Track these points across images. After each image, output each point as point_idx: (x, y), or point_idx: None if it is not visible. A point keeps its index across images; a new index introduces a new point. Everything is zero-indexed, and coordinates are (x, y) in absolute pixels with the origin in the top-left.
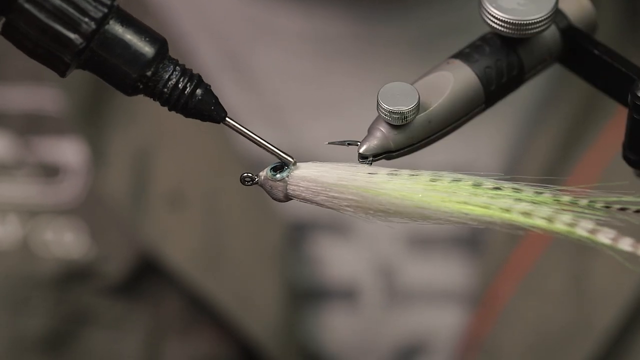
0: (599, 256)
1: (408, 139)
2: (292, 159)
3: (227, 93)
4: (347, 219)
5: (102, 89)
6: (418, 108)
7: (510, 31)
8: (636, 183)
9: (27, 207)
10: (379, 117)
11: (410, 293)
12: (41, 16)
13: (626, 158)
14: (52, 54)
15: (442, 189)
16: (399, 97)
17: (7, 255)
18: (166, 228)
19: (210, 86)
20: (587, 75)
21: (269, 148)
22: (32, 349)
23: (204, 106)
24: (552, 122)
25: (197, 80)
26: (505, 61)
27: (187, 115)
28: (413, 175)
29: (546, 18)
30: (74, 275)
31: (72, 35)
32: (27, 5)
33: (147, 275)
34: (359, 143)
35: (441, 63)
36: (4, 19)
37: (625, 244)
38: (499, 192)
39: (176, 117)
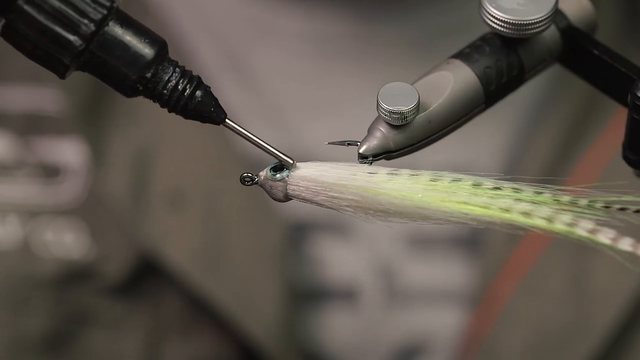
0: (599, 256)
1: (408, 139)
2: (292, 160)
3: (227, 93)
4: (347, 219)
5: (102, 90)
6: (418, 108)
7: (510, 31)
8: (636, 183)
9: (28, 207)
10: (378, 117)
11: (410, 293)
12: (40, 18)
13: (626, 158)
14: (51, 56)
15: (442, 188)
16: (399, 97)
17: (7, 256)
18: (166, 228)
19: (210, 88)
20: (587, 75)
21: (269, 149)
22: (32, 349)
23: (203, 108)
24: (552, 122)
25: (197, 82)
26: (505, 61)
27: (186, 116)
28: (413, 175)
29: (546, 18)
30: (74, 276)
31: (71, 37)
32: (26, 7)
33: (147, 276)
34: (358, 143)
35: (441, 63)
36: (3, 21)
37: (625, 244)
38: (498, 192)
39: (176, 118)
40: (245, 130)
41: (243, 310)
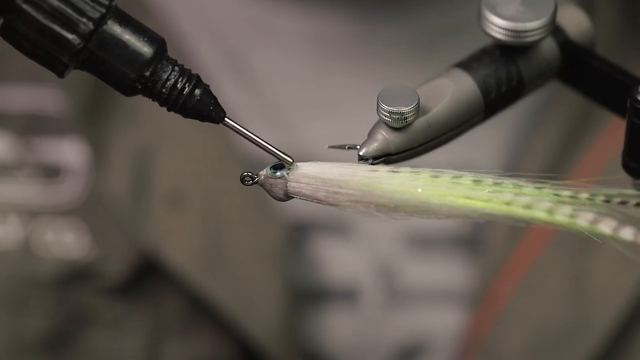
0: (599, 256)
1: (408, 142)
2: (291, 158)
3: (227, 93)
4: (347, 220)
5: (102, 90)
6: (418, 109)
7: (508, 38)
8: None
9: (28, 207)
10: (379, 121)
11: (410, 293)
12: (39, 17)
13: (626, 167)
14: (50, 55)
15: (443, 184)
16: (399, 99)
17: (7, 256)
18: (166, 228)
19: (209, 86)
20: (586, 90)
21: (268, 148)
22: (33, 349)
23: (202, 106)
24: (550, 125)
25: (196, 81)
26: (504, 71)
27: (185, 115)
28: (413, 172)
29: (543, 26)
30: (74, 276)
31: (70, 36)
32: (25, 6)
33: (147, 276)
34: (358, 147)
35: (441, 72)
36: (2, 20)
37: (627, 234)
38: (499, 187)
39: (177, 118)
40: (244, 129)
41: (243, 310)
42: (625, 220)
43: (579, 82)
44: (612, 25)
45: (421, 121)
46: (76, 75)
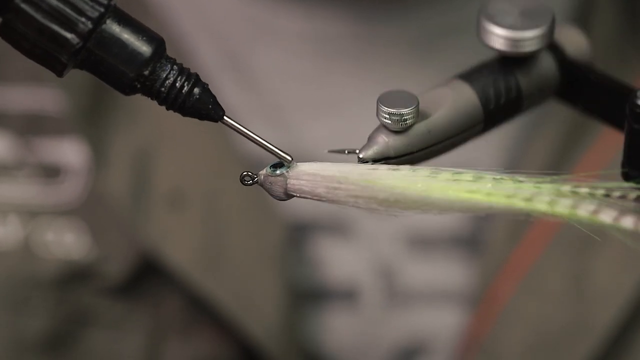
0: (599, 256)
1: (408, 147)
2: (290, 157)
3: (227, 93)
4: (347, 220)
5: (102, 90)
6: (417, 112)
7: (506, 48)
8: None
9: (28, 207)
10: (379, 126)
11: (410, 293)
12: (38, 16)
13: (626, 175)
14: (49, 54)
15: (443, 179)
16: (399, 102)
17: (8, 256)
18: (166, 228)
19: (207, 85)
20: (585, 106)
21: (267, 146)
22: (33, 349)
23: (201, 105)
24: (550, 125)
25: (195, 79)
26: (503, 82)
27: (184, 114)
28: (413, 169)
29: (541, 35)
30: (74, 276)
31: (68, 35)
32: (23, 6)
33: (147, 276)
34: (357, 152)
35: (441, 82)
36: (1, 20)
37: (627, 222)
38: (500, 183)
39: (177, 118)
40: (244, 128)
41: (243, 310)
42: (625, 212)
43: (577, 99)
44: (612, 25)
45: (421, 126)
46: (76, 76)
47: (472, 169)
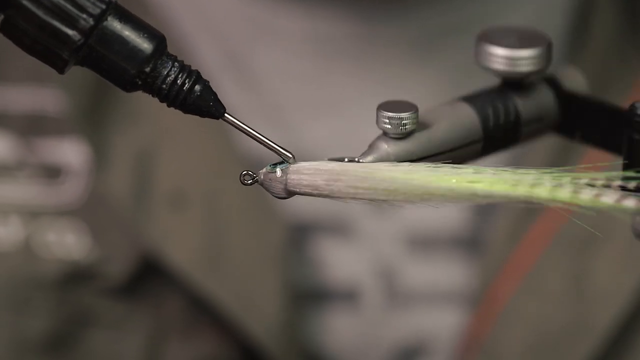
0: (599, 256)
1: (407, 154)
2: (291, 154)
3: (228, 93)
4: (348, 220)
5: (103, 90)
6: (417, 119)
7: (503, 67)
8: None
9: (29, 208)
10: (380, 135)
11: (411, 294)
12: (39, 12)
13: (624, 190)
14: (50, 51)
15: (444, 171)
16: (398, 109)
17: (9, 256)
18: (167, 229)
19: (209, 82)
20: (585, 135)
21: (268, 144)
22: (34, 349)
23: (202, 102)
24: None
25: (196, 76)
26: (502, 104)
27: (185, 111)
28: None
29: (538, 56)
30: (75, 276)
31: (70, 32)
32: (25, 2)
33: (148, 276)
34: (356, 159)
35: (440, 103)
36: (2, 16)
37: (630, 203)
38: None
39: (178, 118)
40: (245, 125)
41: (244, 311)
42: (627, 195)
43: (575, 129)
44: (612, 25)
45: (421, 134)
46: (77, 76)
47: (471, 166)
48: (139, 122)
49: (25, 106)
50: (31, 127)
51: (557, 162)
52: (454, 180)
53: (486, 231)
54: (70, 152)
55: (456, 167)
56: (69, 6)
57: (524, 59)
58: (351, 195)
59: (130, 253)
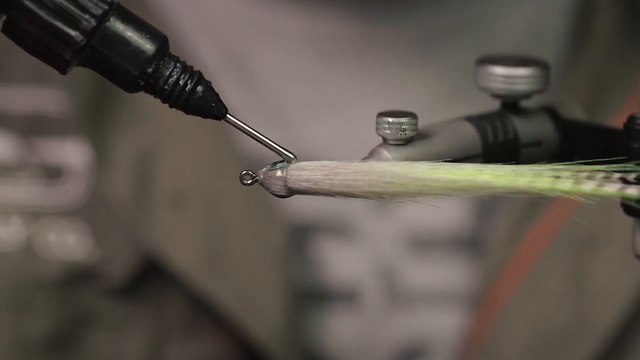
0: (599, 256)
1: (407, 160)
2: (293, 155)
3: (228, 93)
4: (349, 221)
5: (105, 91)
6: (416, 125)
7: (502, 85)
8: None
9: (30, 208)
10: (380, 143)
11: (411, 295)
12: (42, 13)
13: (626, 206)
14: (52, 51)
15: (445, 167)
16: (398, 115)
17: (10, 257)
18: (169, 229)
19: (210, 83)
20: (584, 159)
21: (270, 144)
22: (35, 350)
23: (204, 103)
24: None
25: (198, 77)
26: (501, 123)
27: (187, 112)
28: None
29: (535, 75)
30: (76, 277)
31: (72, 32)
32: (27, 2)
33: (149, 277)
34: None
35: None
36: (4, 17)
37: (632, 191)
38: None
39: (179, 119)
40: (246, 126)
41: (245, 311)
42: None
43: (575, 153)
44: (612, 25)
45: (420, 143)
46: (79, 76)
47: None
48: (140, 122)
49: (27, 106)
50: (32, 127)
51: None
52: (455, 172)
53: (486, 232)
54: (72, 153)
55: (456, 164)
56: (71, 7)
57: (522, 77)
58: (351, 190)
59: (132, 253)
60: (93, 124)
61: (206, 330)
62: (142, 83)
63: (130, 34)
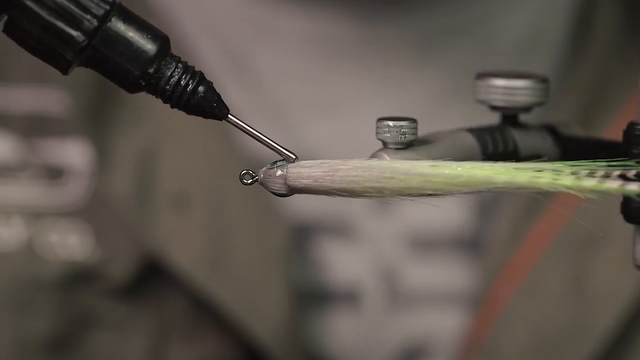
0: (599, 257)
1: None
2: (294, 155)
3: (229, 94)
4: (350, 221)
5: (107, 91)
6: (416, 129)
7: (501, 96)
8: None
9: (32, 209)
10: (380, 148)
11: (412, 295)
12: (43, 13)
13: (626, 213)
14: (54, 52)
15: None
16: (397, 119)
17: (11, 257)
18: (170, 230)
19: (212, 83)
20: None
21: (271, 144)
22: (37, 351)
23: (206, 103)
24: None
25: (199, 78)
26: (500, 135)
27: (189, 112)
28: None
29: (534, 87)
30: (78, 277)
31: (74, 33)
32: (28, 3)
33: (151, 277)
34: None
35: None
36: (5, 17)
37: (633, 187)
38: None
39: (181, 119)
40: (248, 126)
41: (247, 312)
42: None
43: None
44: (612, 25)
45: (420, 148)
46: (80, 76)
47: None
48: (142, 123)
49: (28, 106)
50: (34, 127)
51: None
52: (456, 168)
53: (487, 232)
54: (73, 153)
55: (457, 162)
56: (73, 7)
57: (521, 88)
58: (352, 186)
59: (133, 254)
60: (94, 124)
61: (207, 331)
62: (143, 83)
63: (131, 34)
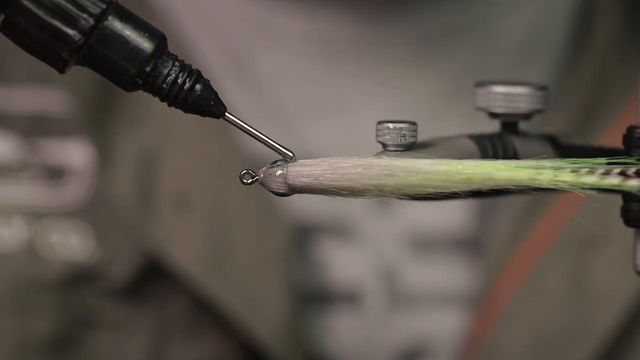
0: (599, 257)
1: None
2: (292, 153)
3: (230, 94)
4: (351, 222)
5: (108, 91)
6: (416, 132)
7: (501, 102)
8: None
9: (32, 209)
10: (380, 151)
11: (413, 296)
12: (39, 12)
13: (626, 217)
14: (50, 50)
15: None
16: (397, 122)
17: (12, 258)
18: (172, 230)
19: (209, 81)
20: None
21: (268, 142)
22: (38, 351)
23: (203, 101)
24: (550, 129)
25: (197, 76)
26: (500, 142)
27: (186, 110)
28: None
29: (534, 94)
30: (79, 278)
31: (70, 32)
32: (25, 2)
33: (152, 278)
34: None
35: None
36: (2, 16)
37: (634, 182)
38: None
39: (182, 119)
40: (245, 124)
41: (248, 313)
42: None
43: None
44: (613, 25)
45: (420, 151)
46: (81, 76)
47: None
48: (143, 123)
49: (29, 107)
50: (34, 127)
51: None
52: (457, 165)
53: (487, 233)
54: (74, 153)
55: (457, 160)
56: (69, 6)
57: (521, 95)
58: (352, 184)
59: (134, 254)
60: (95, 124)
61: (208, 331)
62: (140, 82)
63: (128, 32)
